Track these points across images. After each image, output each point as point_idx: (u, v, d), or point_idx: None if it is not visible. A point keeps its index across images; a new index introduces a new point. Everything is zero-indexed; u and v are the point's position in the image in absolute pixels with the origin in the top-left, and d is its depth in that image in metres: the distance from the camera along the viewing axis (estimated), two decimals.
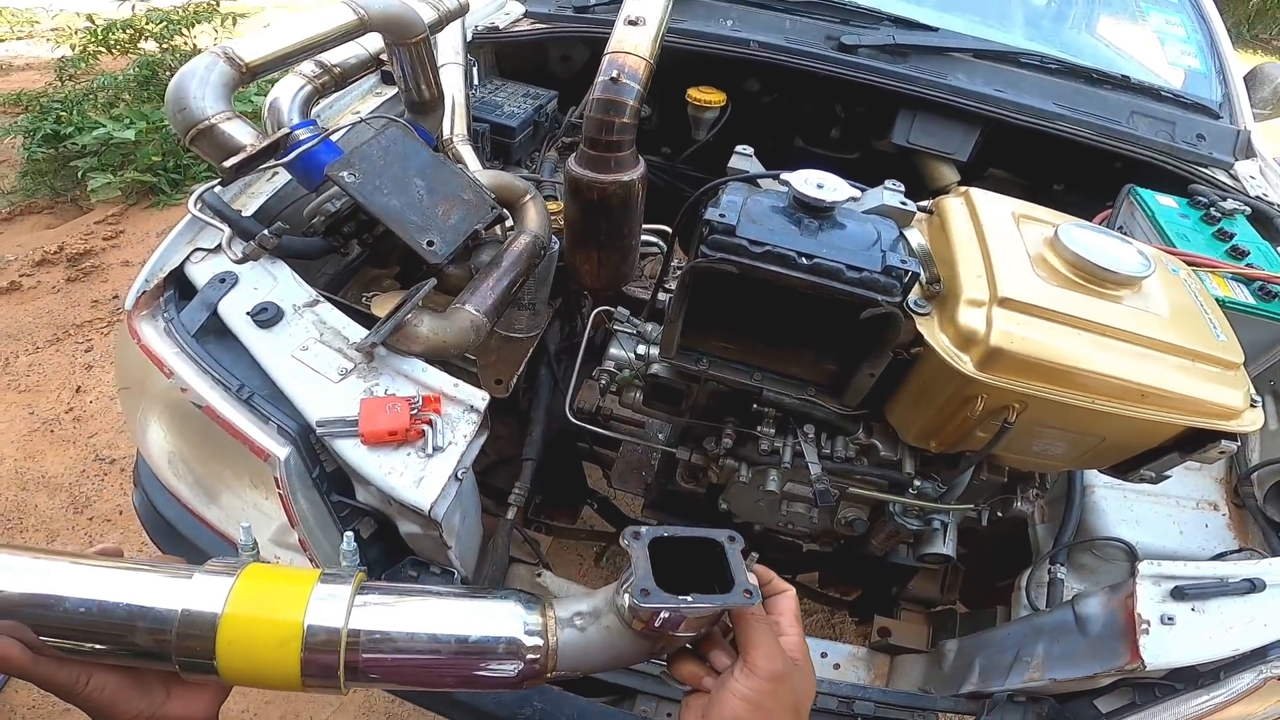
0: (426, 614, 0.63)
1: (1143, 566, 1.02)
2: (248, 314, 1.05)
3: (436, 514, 0.93)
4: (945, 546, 1.19)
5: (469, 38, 1.72)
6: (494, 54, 1.94)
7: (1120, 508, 1.31)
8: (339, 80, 1.35)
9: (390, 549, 1.11)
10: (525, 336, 1.40)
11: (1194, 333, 0.93)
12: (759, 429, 1.14)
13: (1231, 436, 0.92)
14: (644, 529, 0.62)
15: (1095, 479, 1.34)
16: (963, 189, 1.08)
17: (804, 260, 0.88)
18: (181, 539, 1.19)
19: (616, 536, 1.83)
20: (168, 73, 4.27)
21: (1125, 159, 1.73)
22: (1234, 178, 1.73)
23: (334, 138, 1.18)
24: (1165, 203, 1.46)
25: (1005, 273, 0.91)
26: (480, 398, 1.02)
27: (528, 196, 1.29)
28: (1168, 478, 1.05)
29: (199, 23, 4.89)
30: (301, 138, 1.13)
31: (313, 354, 1.03)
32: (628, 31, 1.07)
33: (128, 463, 2.42)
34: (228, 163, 1.03)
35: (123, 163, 3.80)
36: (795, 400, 1.09)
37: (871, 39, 1.78)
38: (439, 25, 1.42)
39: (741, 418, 1.18)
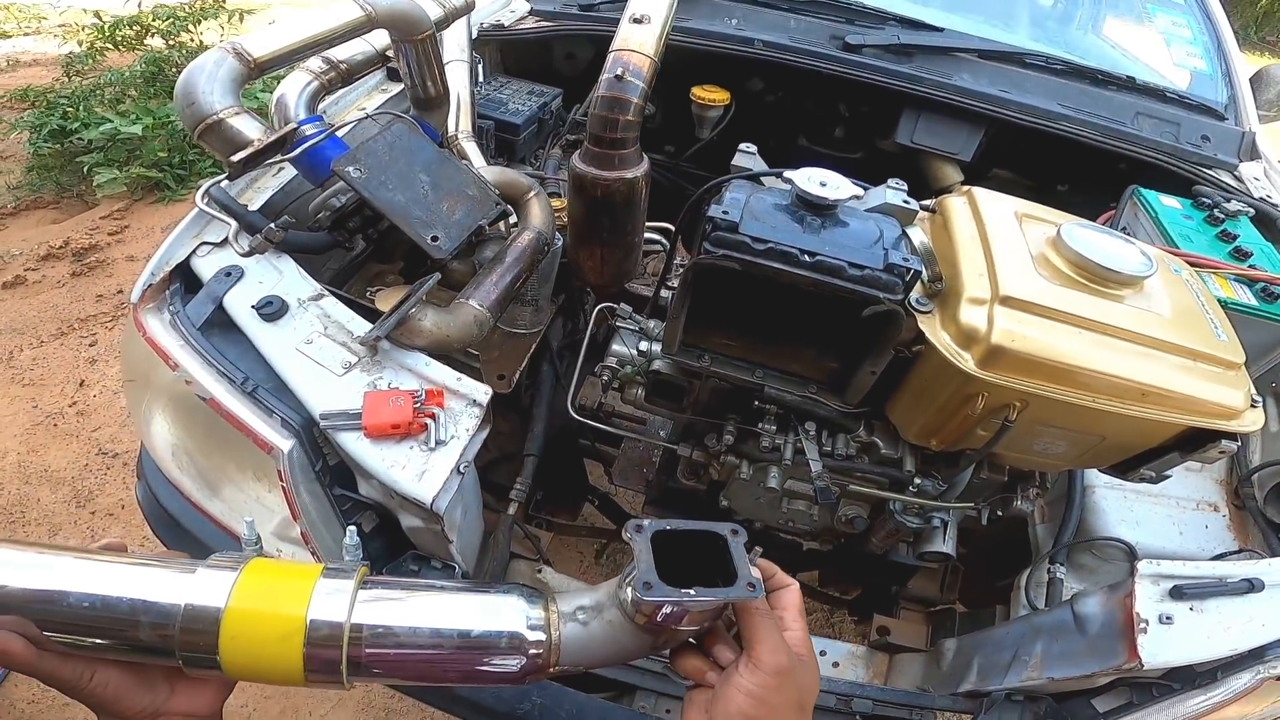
0: (429, 608, 0.63)
1: (1141, 566, 1.02)
2: (253, 307, 1.06)
3: (438, 507, 0.94)
4: (945, 545, 1.20)
5: (474, 35, 1.73)
6: (499, 51, 1.95)
7: (1120, 508, 1.31)
8: (345, 76, 1.35)
9: (392, 543, 1.12)
10: (528, 333, 1.41)
11: (1195, 333, 0.93)
12: (760, 426, 1.14)
13: (1232, 436, 0.92)
14: (646, 522, 0.62)
15: (1096, 479, 1.34)
16: (965, 188, 1.08)
17: (806, 257, 0.88)
18: (184, 532, 1.20)
19: (617, 534, 1.85)
20: (174, 69, 4.29)
21: (1129, 160, 1.73)
22: (1238, 179, 1.73)
23: (340, 133, 1.19)
24: (1169, 204, 1.46)
25: (1007, 271, 0.91)
26: (483, 392, 1.03)
27: (532, 193, 1.30)
28: (1168, 478, 1.05)
29: (205, 19, 4.90)
30: (308, 133, 1.14)
31: (317, 347, 1.04)
32: (633, 29, 1.07)
33: (131, 457, 2.43)
34: (235, 157, 1.04)
35: (128, 158, 3.81)
36: (797, 397, 1.09)
37: (876, 39, 1.78)
38: (445, 22, 1.42)
39: (743, 415, 1.18)
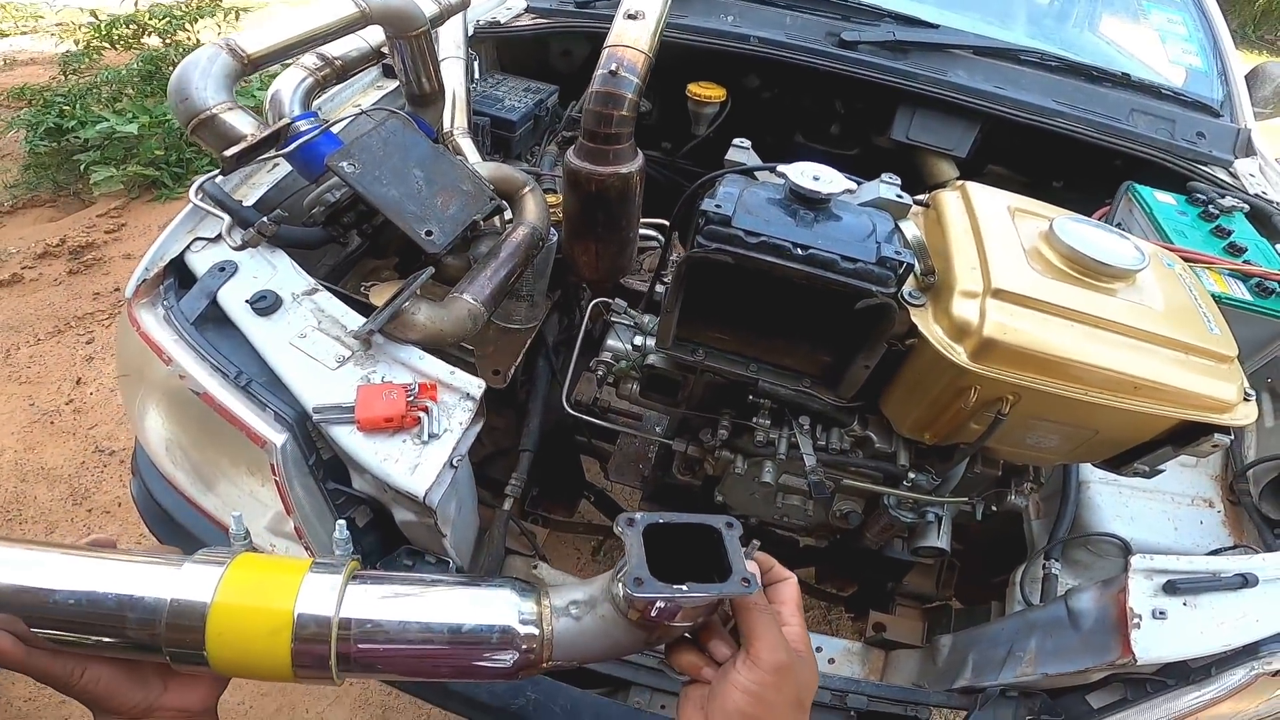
0: (420, 603, 0.62)
1: (1135, 561, 1.02)
2: (247, 302, 1.06)
3: (431, 501, 0.93)
4: (940, 540, 1.20)
5: (471, 32, 1.73)
6: (495, 48, 1.95)
7: (1115, 503, 1.31)
8: (340, 73, 1.35)
9: (386, 538, 1.12)
10: (523, 328, 1.41)
11: (1187, 326, 0.93)
12: (754, 420, 1.14)
13: (1224, 430, 0.92)
14: (639, 516, 0.60)
15: (1091, 474, 1.34)
16: (959, 183, 1.08)
17: (799, 251, 0.88)
18: (179, 527, 1.20)
19: (612, 530, 1.84)
20: (171, 67, 4.27)
21: (1125, 156, 1.73)
22: (1234, 176, 1.73)
23: (335, 129, 1.19)
24: (1163, 199, 1.46)
25: (999, 265, 0.91)
26: (476, 385, 1.02)
27: (526, 188, 1.30)
28: (1161, 472, 1.05)
29: (202, 17, 4.90)
30: (302, 129, 1.14)
31: (311, 342, 1.04)
32: (627, 25, 1.07)
33: (127, 454, 2.43)
34: (228, 152, 1.04)
35: (125, 156, 3.81)
36: (791, 391, 1.09)
37: (872, 35, 1.78)
38: (440, 19, 1.42)
39: (737, 409, 1.18)
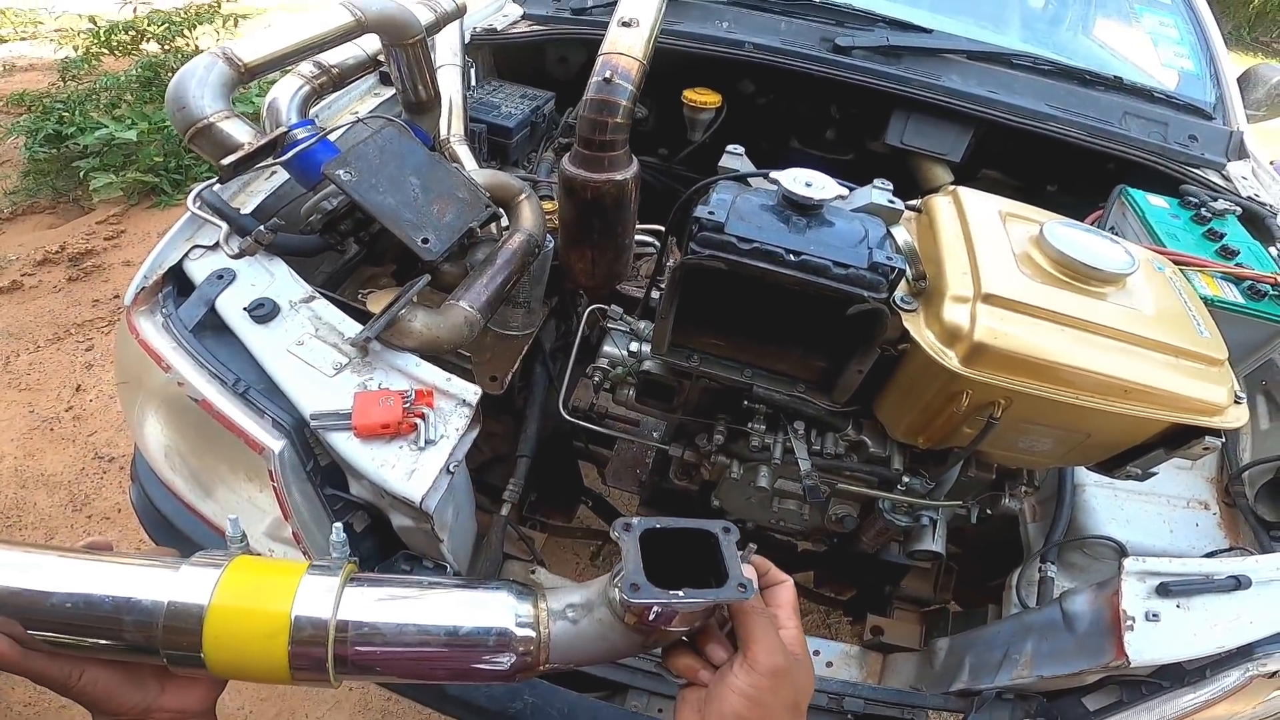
0: (417, 605, 0.62)
1: (1128, 563, 1.03)
2: (245, 309, 1.06)
3: (427, 506, 0.94)
4: (935, 543, 1.20)
5: (467, 39, 1.74)
6: (492, 55, 1.96)
7: (1111, 506, 1.32)
8: (337, 81, 1.36)
9: (384, 543, 1.12)
10: (520, 334, 1.41)
11: (1177, 330, 0.94)
12: (750, 425, 1.15)
13: (1215, 433, 0.92)
14: (635, 521, 0.61)
15: (1086, 477, 1.35)
16: (951, 187, 1.09)
17: (791, 257, 0.89)
18: (177, 533, 1.21)
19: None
20: (170, 74, 4.24)
21: (1118, 160, 1.74)
22: (1226, 179, 1.74)
23: (332, 137, 1.20)
24: (1156, 203, 1.47)
25: (990, 269, 0.92)
26: (472, 392, 1.03)
27: (522, 195, 1.31)
28: (1154, 474, 1.06)
29: (200, 24, 4.91)
30: (299, 137, 1.14)
31: (308, 349, 1.04)
32: (621, 33, 1.08)
33: (127, 461, 2.43)
34: (225, 160, 1.04)
35: (125, 163, 3.82)
36: (785, 396, 1.10)
37: (866, 40, 1.79)
38: (436, 27, 1.43)
39: (733, 414, 1.19)
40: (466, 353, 1.29)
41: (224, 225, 1.12)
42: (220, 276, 1.10)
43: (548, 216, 1.34)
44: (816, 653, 1.37)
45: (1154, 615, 1.00)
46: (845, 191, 1.00)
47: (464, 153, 1.49)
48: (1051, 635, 1.11)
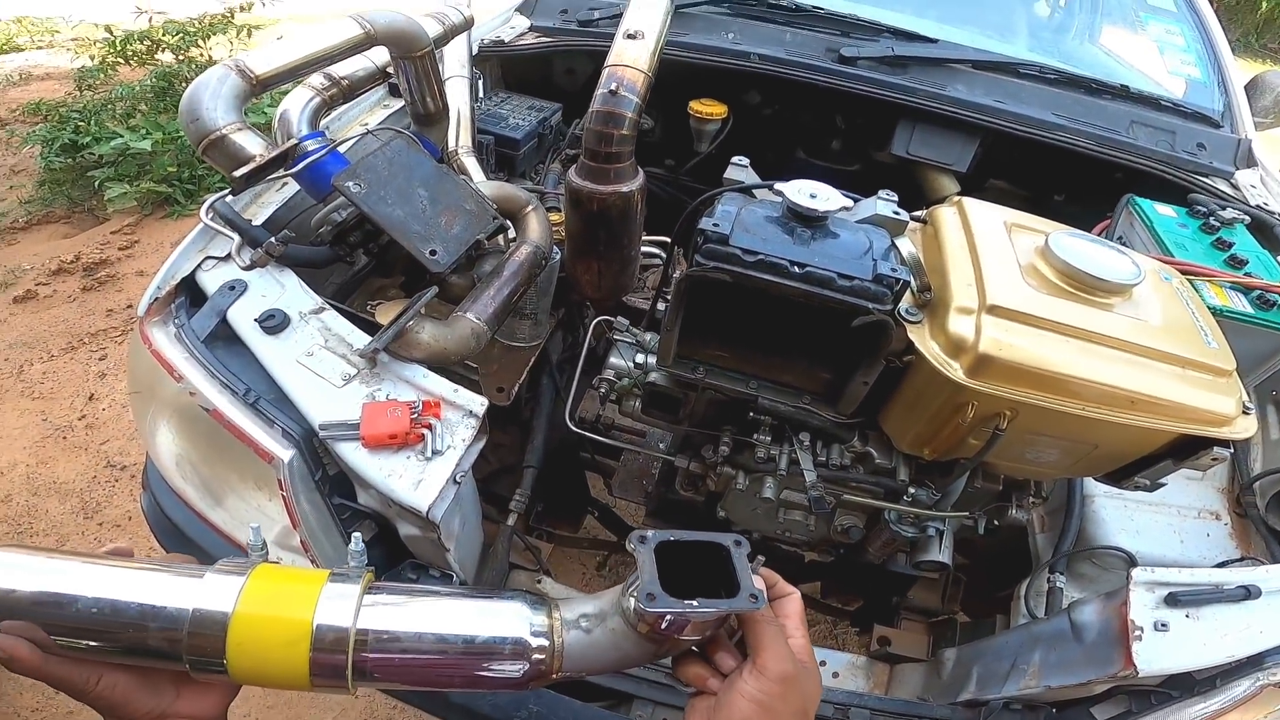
0: (434, 614, 0.64)
1: (1136, 573, 1.02)
2: (255, 320, 1.08)
3: (434, 515, 0.95)
4: (941, 554, 1.20)
5: (475, 51, 1.75)
6: (500, 67, 1.97)
7: (1121, 517, 1.31)
8: (347, 93, 1.38)
9: (391, 553, 1.13)
10: (527, 346, 1.42)
11: (1185, 341, 0.93)
12: (755, 437, 1.15)
13: (1223, 443, 0.92)
14: (650, 533, 0.62)
15: (1095, 488, 1.34)
16: (956, 198, 1.10)
17: (796, 269, 0.90)
18: (188, 541, 1.22)
19: (618, 545, 1.85)
20: (184, 84, 4.33)
21: (1125, 169, 1.73)
22: (1235, 187, 1.73)
23: (341, 149, 1.21)
24: (1164, 212, 1.47)
25: (995, 280, 0.92)
26: (479, 403, 1.04)
27: (529, 207, 1.32)
28: (1163, 485, 1.05)
29: (215, 34, 4.96)
30: (310, 148, 1.16)
31: (317, 359, 1.06)
32: (626, 45, 1.09)
33: (138, 469, 2.45)
34: (237, 172, 1.06)
35: (139, 173, 3.86)
36: (791, 408, 1.10)
37: (871, 50, 1.80)
38: (444, 39, 1.45)
39: (738, 426, 1.19)
40: (474, 364, 1.30)
41: (236, 237, 1.14)
42: (232, 288, 1.12)
43: (554, 228, 1.35)
44: (823, 663, 1.37)
45: (1163, 625, 0.99)
46: (850, 203, 1.00)
47: (472, 164, 1.50)
48: (1059, 645, 1.10)
